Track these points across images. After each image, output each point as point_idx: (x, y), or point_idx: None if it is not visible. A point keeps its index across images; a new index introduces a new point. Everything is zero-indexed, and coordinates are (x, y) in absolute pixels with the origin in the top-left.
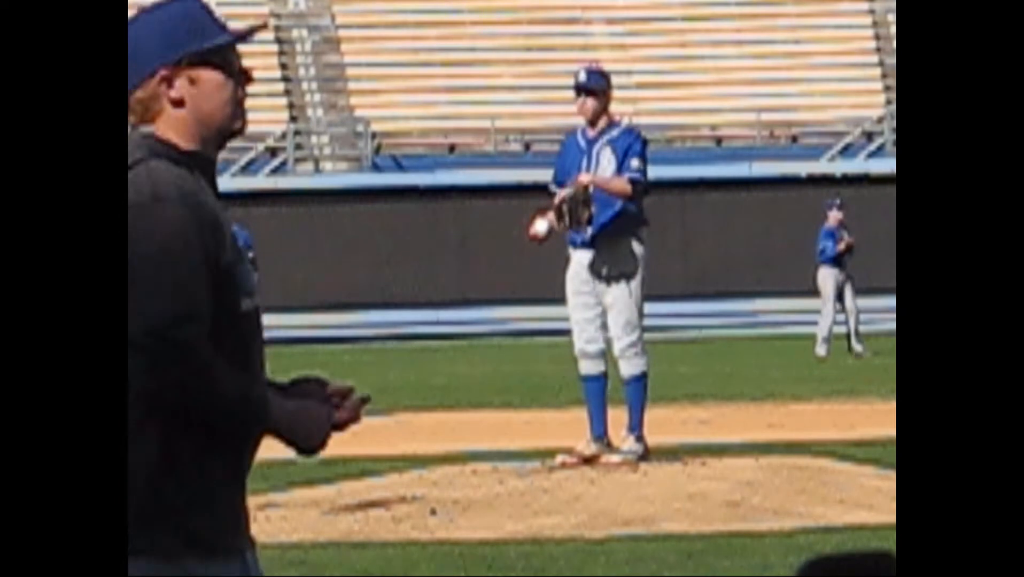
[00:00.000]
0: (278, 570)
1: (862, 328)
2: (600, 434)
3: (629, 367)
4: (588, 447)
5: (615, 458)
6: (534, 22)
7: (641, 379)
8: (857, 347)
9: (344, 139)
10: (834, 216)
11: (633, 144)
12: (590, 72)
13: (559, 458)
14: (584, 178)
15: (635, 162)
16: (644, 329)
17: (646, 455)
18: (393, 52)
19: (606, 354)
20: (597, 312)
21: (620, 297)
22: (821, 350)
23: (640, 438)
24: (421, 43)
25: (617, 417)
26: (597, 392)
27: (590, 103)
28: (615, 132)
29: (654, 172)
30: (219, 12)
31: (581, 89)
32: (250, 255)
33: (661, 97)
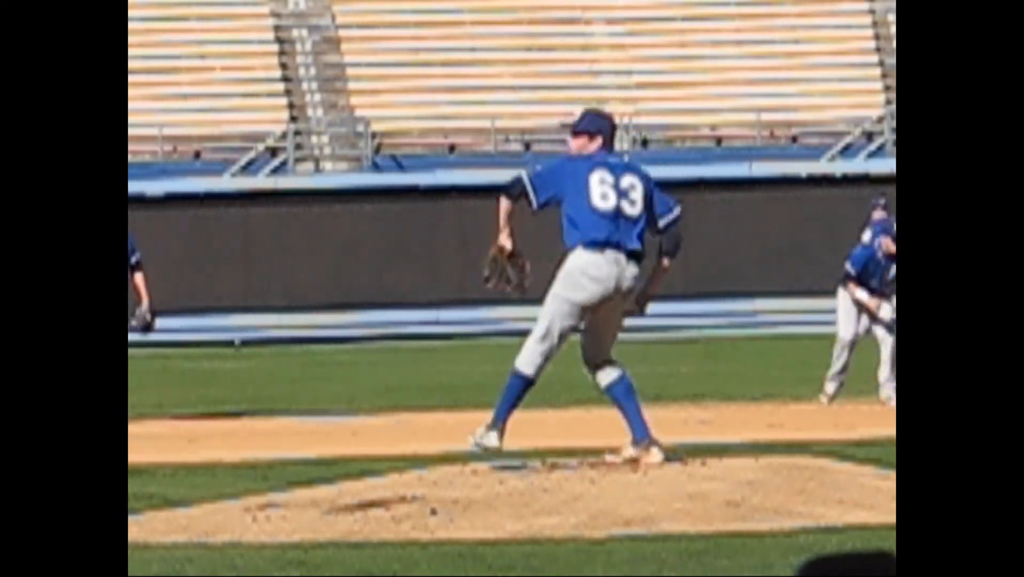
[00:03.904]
0: (278, 570)
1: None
2: (639, 437)
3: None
4: (627, 450)
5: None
6: (534, 22)
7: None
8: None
9: (344, 139)
10: (879, 214)
11: None
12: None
13: (608, 457)
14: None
15: None
16: (635, 330)
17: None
18: (393, 52)
19: (609, 361)
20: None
21: None
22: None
23: (634, 443)
24: (421, 43)
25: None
26: (616, 397)
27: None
28: None
29: (655, 172)
30: (219, 12)
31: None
32: (133, 259)
33: (661, 97)
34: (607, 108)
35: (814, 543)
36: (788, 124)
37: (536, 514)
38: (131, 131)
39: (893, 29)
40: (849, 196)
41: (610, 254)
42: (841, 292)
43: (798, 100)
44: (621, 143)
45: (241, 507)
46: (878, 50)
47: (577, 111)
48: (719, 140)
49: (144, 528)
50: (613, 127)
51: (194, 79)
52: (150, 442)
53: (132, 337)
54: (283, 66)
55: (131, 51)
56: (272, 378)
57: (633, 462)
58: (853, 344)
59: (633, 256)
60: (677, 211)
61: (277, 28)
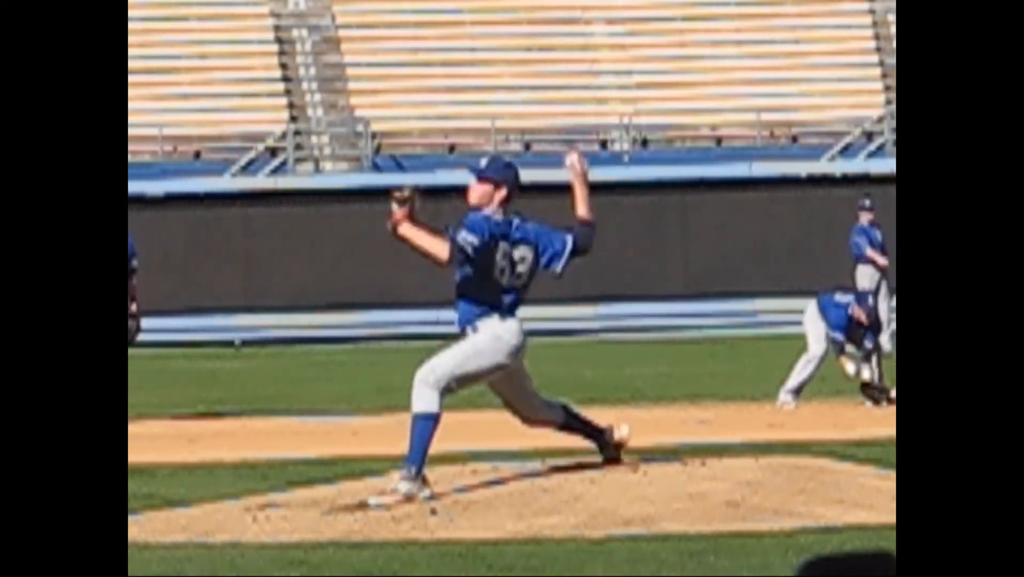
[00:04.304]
0: (278, 570)
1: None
2: (602, 438)
3: None
4: (606, 449)
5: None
6: (534, 22)
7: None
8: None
9: (344, 139)
10: (865, 216)
11: None
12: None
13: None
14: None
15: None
16: (635, 330)
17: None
18: (393, 52)
19: (543, 407)
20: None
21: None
22: (788, 398)
23: (603, 445)
24: (421, 43)
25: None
26: (574, 428)
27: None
28: None
29: (655, 172)
30: (219, 12)
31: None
32: (133, 263)
33: (661, 97)
34: (607, 108)
35: (814, 543)
36: (788, 124)
37: (536, 514)
38: (131, 131)
39: (893, 29)
40: (849, 196)
41: (515, 322)
42: (809, 310)
43: (798, 100)
44: (621, 143)
45: (241, 507)
46: (878, 50)
47: (577, 111)
48: (719, 140)
49: (144, 528)
50: (517, 177)
51: (194, 79)
52: (150, 442)
53: None
54: (283, 66)
55: (131, 51)
56: (272, 378)
57: (617, 447)
58: (822, 360)
59: None
60: (570, 242)
61: (277, 28)
